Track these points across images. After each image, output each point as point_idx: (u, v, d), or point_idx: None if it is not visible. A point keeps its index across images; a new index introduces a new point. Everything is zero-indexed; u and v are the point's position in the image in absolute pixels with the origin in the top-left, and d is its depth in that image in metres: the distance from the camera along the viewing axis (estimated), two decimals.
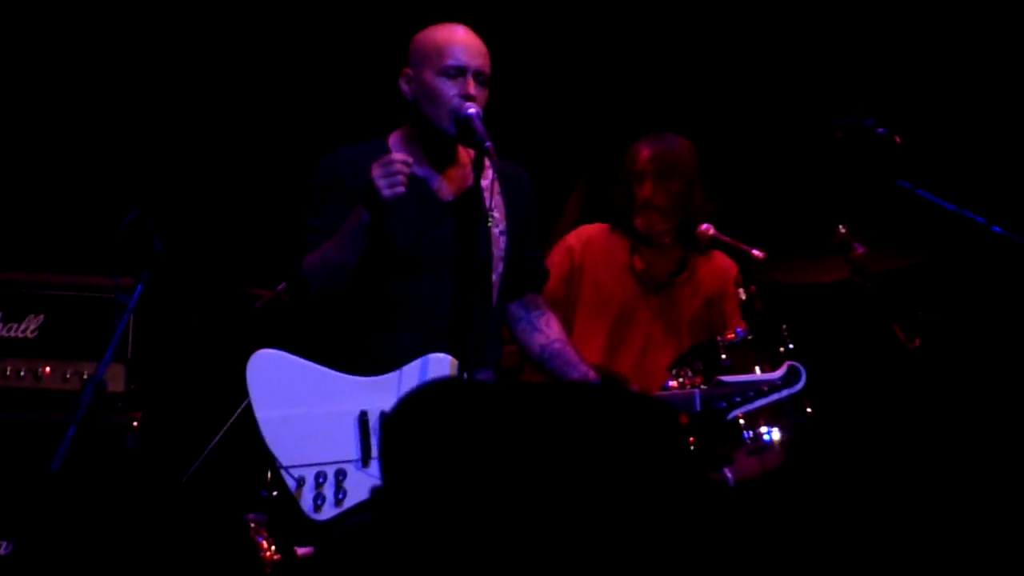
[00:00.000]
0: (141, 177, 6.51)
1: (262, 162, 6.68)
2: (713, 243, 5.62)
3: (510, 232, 4.51)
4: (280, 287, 5.59)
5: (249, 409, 4.19)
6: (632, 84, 6.88)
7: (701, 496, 2.71)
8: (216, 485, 5.50)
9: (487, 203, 4.42)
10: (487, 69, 4.43)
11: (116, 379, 5.48)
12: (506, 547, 2.49)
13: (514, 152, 4.61)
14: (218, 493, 5.37)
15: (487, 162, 4.32)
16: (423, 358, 4.28)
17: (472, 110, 4.32)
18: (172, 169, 6.62)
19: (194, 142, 6.67)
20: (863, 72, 6.62)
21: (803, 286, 5.61)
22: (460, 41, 4.43)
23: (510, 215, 4.52)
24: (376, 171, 4.18)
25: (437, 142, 4.45)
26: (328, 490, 4.15)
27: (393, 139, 4.53)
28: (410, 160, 4.26)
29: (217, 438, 5.52)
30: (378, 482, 4.13)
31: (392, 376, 4.27)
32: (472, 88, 4.37)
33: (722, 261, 5.68)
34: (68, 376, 5.53)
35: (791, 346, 4.89)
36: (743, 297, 5.43)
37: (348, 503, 4.15)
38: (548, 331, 4.68)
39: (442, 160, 4.49)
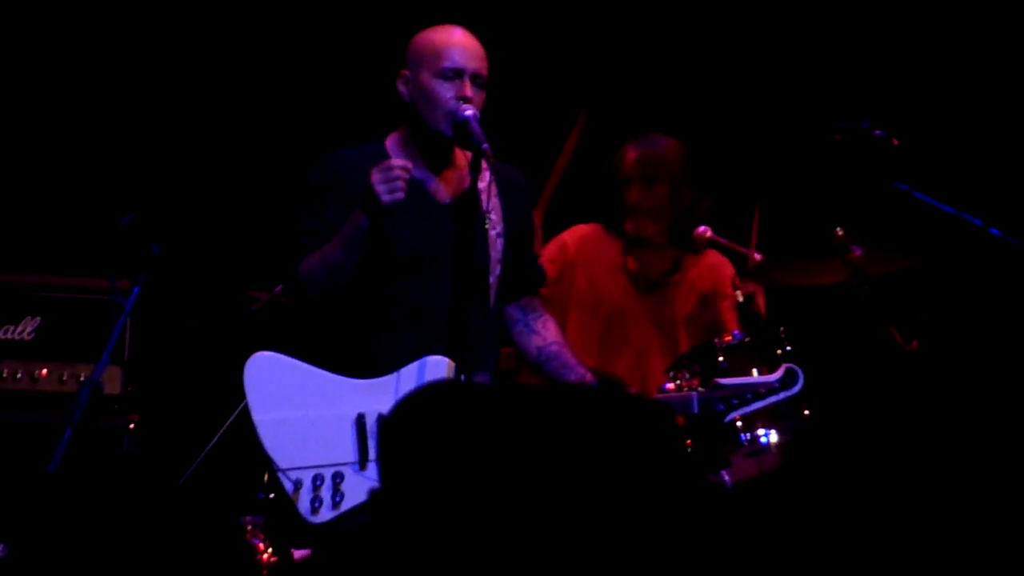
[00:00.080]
0: (138, 179, 6.50)
1: (259, 164, 6.67)
2: (711, 245, 5.63)
3: (507, 234, 4.51)
4: (277, 289, 5.59)
5: (246, 411, 4.18)
6: (629, 86, 6.88)
7: (698, 498, 2.70)
8: (213, 487, 5.50)
9: (484, 205, 4.42)
10: (484, 71, 4.43)
11: (113, 381, 5.48)
12: (504, 549, 2.49)
13: (511, 153, 4.61)
14: (215, 495, 5.36)
15: (484, 164, 4.32)
16: (420, 360, 4.27)
17: (469, 112, 4.32)
18: (169, 171, 6.62)
19: (191, 144, 6.67)
20: (861, 74, 6.62)
21: (800, 288, 5.61)
22: (458, 43, 4.42)
23: (507, 217, 4.52)
24: (376, 177, 4.17)
25: (434, 144, 4.45)
26: (325, 493, 4.14)
27: (390, 141, 4.52)
28: (409, 166, 4.25)
29: (214, 440, 5.52)
30: (375, 484, 4.13)
31: (389, 378, 4.26)
32: (469, 90, 4.36)
33: (715, 259, 5.68)
34: (65, 378, 5.53)
35: (788, 348, 4.89)
36: (740, 299, 5.44)
37: (345, 505, 4.14)
38: (545, 333, 4.68)
39: (439, 162, 4.48)
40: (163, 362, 6.11)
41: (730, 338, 4.96)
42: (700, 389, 4.74)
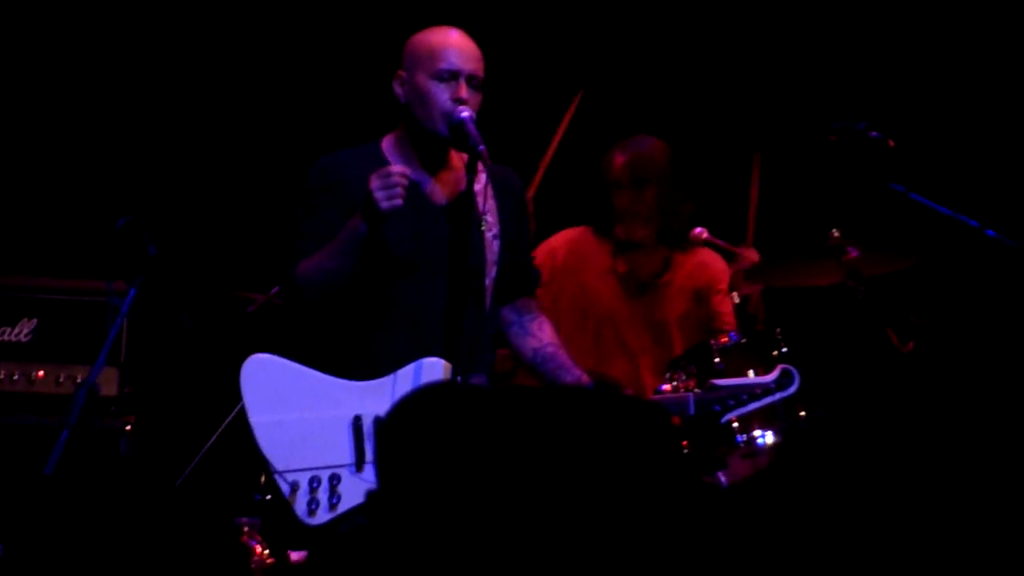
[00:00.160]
0: (134, 181, 6.50)
1: (255, 166, 6.68)
2: (707, 246, 5.63)
3: (503, 236, 4.50)
4: (273, 291, 5.59)
5: (242, 413, 4.18)
6: (626, 87, 6.88)
7: (695, 500, 2.70)
8: (209, 489, 5.50)
9: (480, 207, 4.42)
10: (481, 73, 4.43)
11: (109, 383, 5.48)
12: (501, 551, 2.49)
13: (505, 153, 4.61)
14: (211, 497, 5.37)
15: (480, 166, 4.32)
16: (416, 362, 4.27)
17: (465, 114, 4.32)
18: (165, 173, 6.62)
19: (187, 146, 6.67)
20: (857, 75, 6.62)
21: (797, 290, 5.61)
22: (454, 45, 4.42)
23: (503, 219, 4.51)
24: (375, 183, 4.17)
25: (430, 145, 4.44)
26: (322, 495, 4.14)
27: (386, 142, 4.52)
28: (408, 172, 4.24)
29: (210, 442, 5.52)
30: (372, 486, 4.12)
31: (386, 380, 4.26)
32: (464, 92, 4.36)
33: (706, 256, 5.67)
34: (61, 380, 5.53)
35: (784, 349, 4.90)
36: (737, 300, 5.44)
37: (342, 507, 4.14)
38: (541, 335, 4.68)
39: (435, 163, 4.48)
40: (160, 364, 6.11)
41: (726, 339, 4.97)
42: (696, 390, 4.74)
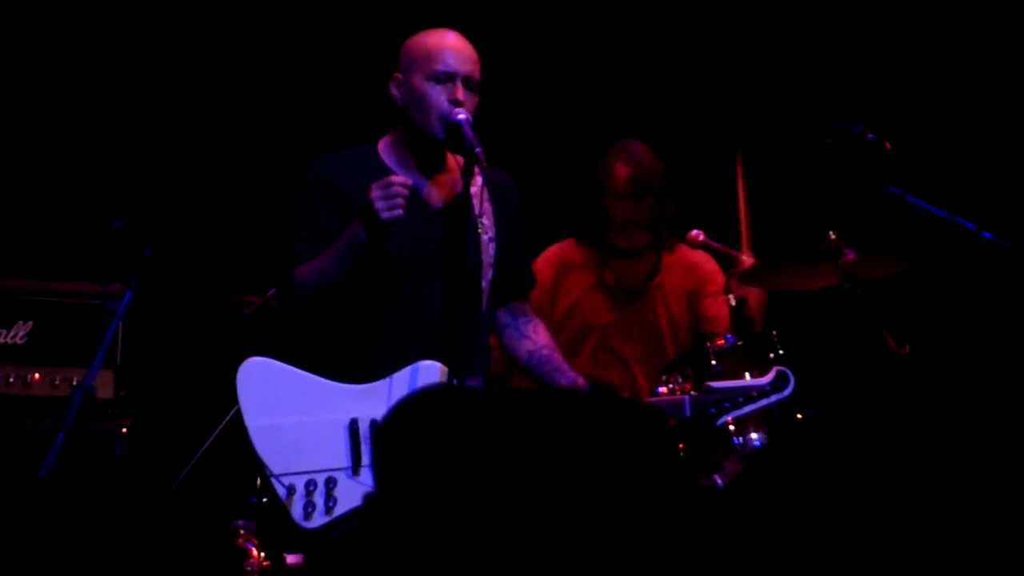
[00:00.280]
0: (130, 183, 6.50)
1: (251, 167, 6.67)
2: (703, 249, 5.63)
3: (499, 239, 4.50)
4: (270, 294, 5.58)
5: (238, 415, 4.18)
6: (622, 89, 6.88)
7: (691, 502, 2.70)
8: (205, 492, 5.49)
9: (476, 209, 4.41)
10: (477, 75, 4.43)
11: (105, 386, 5.47)
12: (498, 553, 2.49)
13: (504, 157, 4.61)
14: (207, 500, 5.36)
15: (476, 168, 4.32)
16: (413, 365, 4.27)
17: (461, 116, 4.31)
18: (161, 175, 6.61)
19: (183, 148, 6.67)
20: (853, 78, 6.62)
21: (793, 292, 5.61)
22: (450, 47, 4.42)
23: (499, 222, 4.52)
24: (375, 193, 4.16)
25: (426, 148, 4.44)
26: (318, 498, 4.14)
27: (383, 144, 4.52)
28: (409, 182, 4.24)
29: (206, 445, 5.51)
30: (369, 489, 4.13)
31: (382, 384, 4.26)
32: (461, 93, 4.36)
33: (696, 257, 5.66)
34: (57, 382, 5.53)
35: (781, 352, 4.90)
36: (733, 303, 5.44)
37: (338, 511, 4.14)
38: (536, 337, 4.68)
39: (431, 166, 4.48)
40: (155, 366, 6.10)
41: (722, 342, 4.97)
42: (692, 393, 4.74)
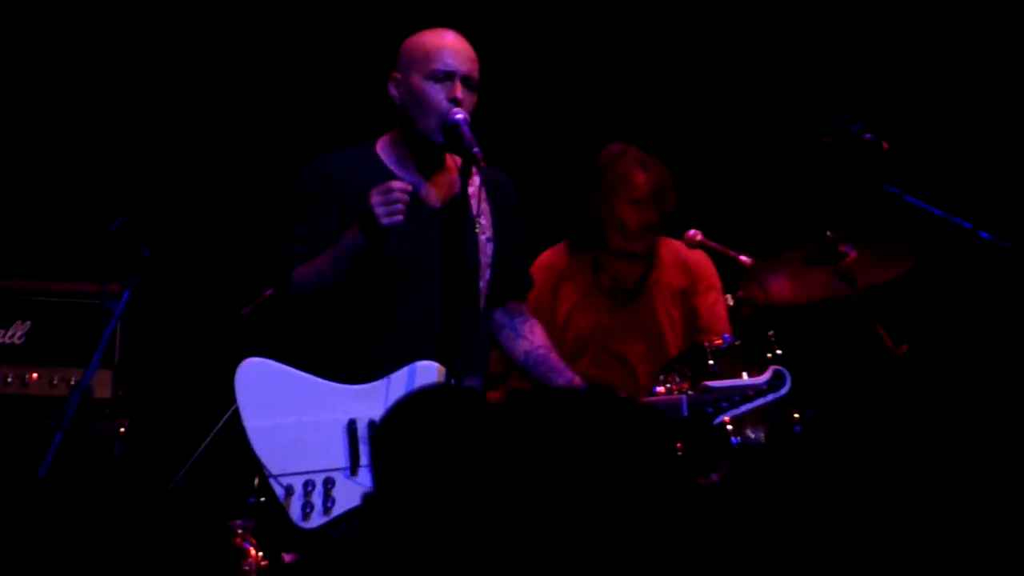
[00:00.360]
0: (128, 183, 6.50)
1: (250, 168, 6.67)
2: (700, 249, 5.63)
3: (497, 239, 4.51)
4: (267, 293, 5.58)
5: (236, 415, 4.18)
6: (620, 90, 6.88)
7: (689, 501, 2.71)
8: (203, 492, 5.50)
9: (474, 209, 4.41)
10: (475, 74, 4.43)
11: (103, 385, 5.48)
12: (496, 553, 2.49)
13: (501, 158, 4.61)
14: (205, 500, 5.36)
15: (474, 168, 4.32)
16: (410, 365, 4.27)
17: (459, 116, 4.31)
18: (159, 175, 6.61)
19: (181, 148, 6.67)
20: (851, 77, 6.63)
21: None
22: (449, 46, 4.42)
23: (496, 222, 4.52)
24: (375, 198, 4.16)
25: (424, 147, 4.44)
26: (316, 498, 4.14)
27: (381, 144, 4.52)
28: (409, 188, 4.23)
29: (204, 444, 5.51)
30: (367, 490, 4.13)
31: (380, 384, 4.26)
32: (459, 92, 4.36)
33: (690, 254, 5.65)
34: (55, 382, 5.53)
35: (779, 352, 4.90)
36: (731, 303, 5.45)
37: (336, 511, 4.14)
38: (532, 337, 4.68)
39: (430, 166, 4.48)
40: (153, 366, 6.10)
41: (720, 341, 4.97)
42: (690, 392, 4.75)
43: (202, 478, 5.53)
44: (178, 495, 5.47)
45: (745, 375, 4.82)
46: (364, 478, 4.16)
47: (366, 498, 4.11)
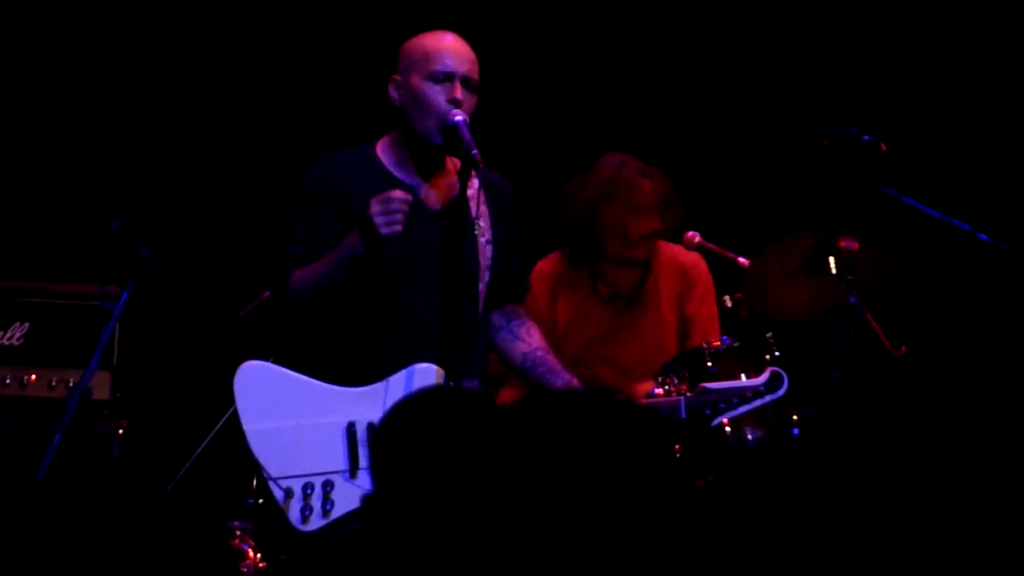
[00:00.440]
0: (127, 184, 6.50)
1: (249, 168, 6.67)
2: (699, 251, 5.62)
3: (496, 241, 4.50)
4: (265, 294, 5.58)
5: (235, 416, 4.18)
6: (620, 91, 6.88)
7: (687, 503, 2.71)
8: (201, 493, 5.50)
9: (473, 211, 4.42)
10: (475, 76, 4.43)
11: (102, 387, 5.48)
12: (495, 554, 2.49)
13: (500, 159, 4.61)
14: (203, 501, 5.36)
15: (472, 170, 4.32)
16: (409, 368, 4.27)
17: (459, 117, 4.31)
18: (158, 176, 6.61)
19: (180, 149, 6.67)
20: (849, 79, 6.63)
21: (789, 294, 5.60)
22: (449, 47, 4.42)
23: (495, 224, 4.51)
24: (375, 208, 4.16)
25: (424, 149, 4.44)
26: (316, 501, 4.14)
27: (381, 145, 4.52)
28: (410, 198, 4.22)
29: (203, 446, 5.51)
30: (366, 492, 4.13)
31: (378, 387, 4.26)
32: (459, 93, 4.36)
33: (684, 257, 5.63)
34: (54, 383, 5.53)
35: (777, 353, 4.91)
36: (729, 305, 5.44)
37: (336, 514, 4.14)
38: (530, 340, 4.67)
39: (429, 168, 4.48)
40: (152, 367, 6.10)
41: (719, 343, 4.98)
42: (688, 394, 4.75)
43: (201, 479, 5.53)
44: (177, 496, 5.47)
45: (743, 377, 4.82)
46: (363, 481, 4.16)
47: (365, 501, 4.12)
